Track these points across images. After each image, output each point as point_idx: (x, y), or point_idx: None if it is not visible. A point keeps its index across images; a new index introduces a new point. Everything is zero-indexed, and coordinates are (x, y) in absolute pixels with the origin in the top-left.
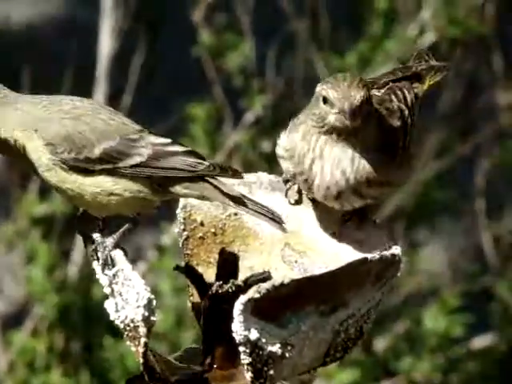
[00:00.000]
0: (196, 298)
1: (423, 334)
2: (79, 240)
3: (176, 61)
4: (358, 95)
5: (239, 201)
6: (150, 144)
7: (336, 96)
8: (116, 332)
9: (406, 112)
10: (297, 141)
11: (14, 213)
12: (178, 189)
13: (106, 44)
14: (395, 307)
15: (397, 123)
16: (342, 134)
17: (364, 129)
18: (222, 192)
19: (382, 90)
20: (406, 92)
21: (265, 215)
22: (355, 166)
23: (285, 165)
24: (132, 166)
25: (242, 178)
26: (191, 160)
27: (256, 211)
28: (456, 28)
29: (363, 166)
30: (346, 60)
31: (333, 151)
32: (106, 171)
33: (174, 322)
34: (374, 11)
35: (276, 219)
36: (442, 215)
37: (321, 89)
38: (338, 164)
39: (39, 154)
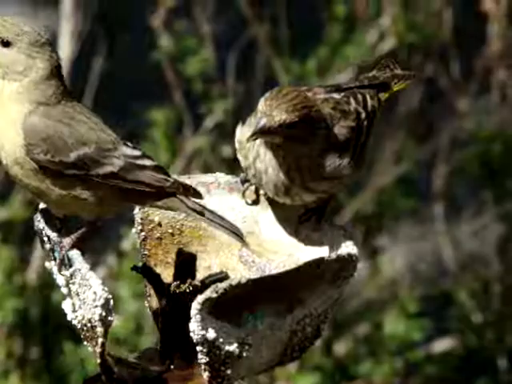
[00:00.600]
0: (154, 299)
1: (383, 338)
2: (38, 244)
3: (136, 65)
4: (278, 117)
5: (202, 214)
6: (122, 155)
7: (260, 109)
8: (76, 337)
9: (363, 115)
10: (245, 135)
11: None
12: (144, 199)
13: (66, 47)
14: (355, 311)
15: (351, 124)
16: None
17: (291, 146)
18: (186, 205)
19: (342, 94)
20: (368, 97)
21: (227, 228)
22: (292, 170)
23: (240, 158)
24: (103, 176)
25: (202, 198)
26: (159, 176)
27: (219, 224)
28: (415, 34)
29: (305, 164)
30: (306, 66)
31: (268, 154)
32: (76, 176)
33: (133, 327)
34: (333, 17)
35: (237, 233)
36: (402, 220)
37: (261, 99)
38: (277, 166)
39: (14, 149)
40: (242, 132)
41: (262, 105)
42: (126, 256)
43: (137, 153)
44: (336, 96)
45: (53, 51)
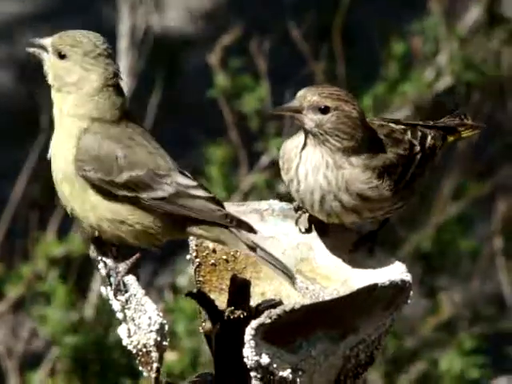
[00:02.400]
0: (208, 325)
1: (439, 375)
2: (96, 280)
3: (193, 102)
4: (309, 98)
5: (254, 249)
6: (175, 183)
7: (299, 92)
8: (133, 373)
9: (417, 148)
10: (289, 147)
11: (32, 254)
12: (194, 229)
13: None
14: (412, 349)
15: (400, 152)
16: (304, 133)
17: (325, 139)
18: (238, 239)
19: (402, 126)
20: (429, 137)
21: (278, 268)
22: (334, 173)
23: (284, 176)
24: (153, 199)
25: (255, 233)
26: (212, 206)
27: (269, 262)
28: (472, 72)
29: (344, 173)
30: (362, 102)
31: (310, 157)
32: (126, 198)
33: (189, 362)
34: (391, 54)
35: (286, 272)
36: (461, 257)
37: None
38: (317, 170)
39: (66, 164)
40: (285, 146)
41: (299, 91)
42: (182, 291)
43: (191, 183)
44: (393, 125)
45: (110, 63)
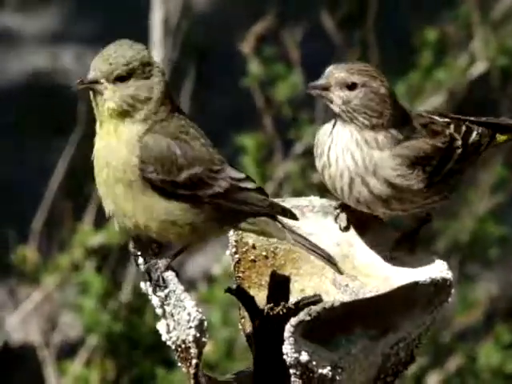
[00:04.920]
0: (247, 321)
1: (477, 369)
2: (133, 270)
3: (226, 92)
4: (338, 75)
5: (299, 240)
6: (228, 177)
7: (327, 69)
8: (168, 362)
9: (459, 143)
10: (322, 132)
11: (68, 244)
12: (241, 223)
13: None
14: (449, 342)
15: (438, 144)
16: (344, 117)
17: (353, 116)
18: (284, 230)
19: (446, 119)
20: (474, 133)
21: (322, 256)
22: (365, 151)
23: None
24: (210, 196)
25: (297, 219)
26: (261, 197)
27: (314, 251)
28: (506, 57)
29: (373, 154)
30: (396, 90)
31: (341, 137)
32: (184, 198)
33: (224, 353)
34: (424, 41)
35: (331, 260)
36: (496, 249)
37: None
38: (347, 150)
39: (125, 168)
40: (318, 132)
41: (327, 68)
42: (217, 281)
43: (241, 175)
44: (436, 117)
45: (157, 64)
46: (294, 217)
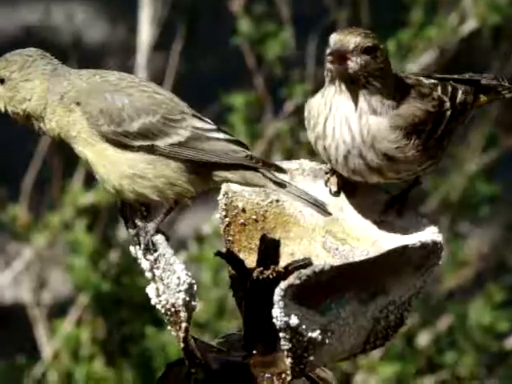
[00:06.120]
0: (237, 284)
1: (468, 328)
2: (123, 230)
3: (215, 50)
4: (352, 40)
5: (282, 186)
6: (190, 126)
7: (333, 38)
8: (158, 321)
9: (447, 104)
10: (315, 101)
11: (59, 203)
12: (218, 173)
13: (145, 34)
14: (439, 301)
15: (429, 109)
16: (340, 80)
17: (366, 81)
18: (264, 176)
19: (432, 80)
20: (460, 91)
21: (307, 201)
22: (362, 123)
23: (310, 135)
24: (170, 145)
25: (285, 173)
26: (234, 147)
27: (299, 196)
28: (497, 15)
29: (370, 127)
30: (387, 48)
31: (341, 106)
32: (143, 149)
33: (214, 312)
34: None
35: (318, 205)
36: (487, 207)
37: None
38: (346, 120)
39: (78, 127)
40: (310, 102)
41: (332, 37)
42: (207, 240)
43: (209, 126)
44: (422, 79)
45: (48, 62)
46: (279, 169)
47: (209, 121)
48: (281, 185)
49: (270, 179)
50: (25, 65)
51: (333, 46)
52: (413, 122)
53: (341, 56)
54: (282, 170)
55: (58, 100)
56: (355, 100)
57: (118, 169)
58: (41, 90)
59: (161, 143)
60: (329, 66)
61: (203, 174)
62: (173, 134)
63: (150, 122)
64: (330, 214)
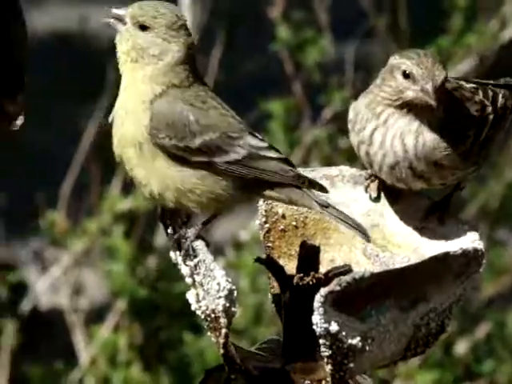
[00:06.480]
0: (277, 291)
1: (506, 336)
2: (161, 235)
3: (254, 57)
4: (441, 76)
5: (326, 206)
6: (247, 145)
7: (420, 73)
8: (196, 327)
9: (489, 109)
10: (361, 107)
11: (97, 209)
12: (265, 191)
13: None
14: (477, 309)
15: (472, 112)
16: (413, 109)
17: (436, 108)
18: (310, 198)
19: (472, 85)
20: (500, 96)
21: (350, 224)
22: (418, 141)
23: (352, 137)
24: (227, 162)
25: (327, 192)
26: (285, 167)
27: (341, 219)
28: None
29: (425, 143)
30: None
31: (398, 122)
32: (199, 164)
33: (252, 318)
34: (455, 5)
35: (360, 229)
36: None
37: (400, 62)
38: (400, 135)
39: (136, 130)
40: (357, 105)
41: (417, 72)
42: (245, 247)
43: (263, 144)
44: (463, 83)
45: (188, 34)
46: (322, 189)
47: (262, 137)
48: (325, 206)
49: (315, 200)
50: (172, 25)
51: (424, 84)
52: (460, 128)
53: (436, 94)
54: (324, 190)
55: (160, 86)
56: (413, 118)
57: (166, 180)
58: (174, 58)
59: (218, 160)
60: (417, 100)
61: (250, 192)
62: (231, 151)
63: (211, 139)
64: (369, 239)
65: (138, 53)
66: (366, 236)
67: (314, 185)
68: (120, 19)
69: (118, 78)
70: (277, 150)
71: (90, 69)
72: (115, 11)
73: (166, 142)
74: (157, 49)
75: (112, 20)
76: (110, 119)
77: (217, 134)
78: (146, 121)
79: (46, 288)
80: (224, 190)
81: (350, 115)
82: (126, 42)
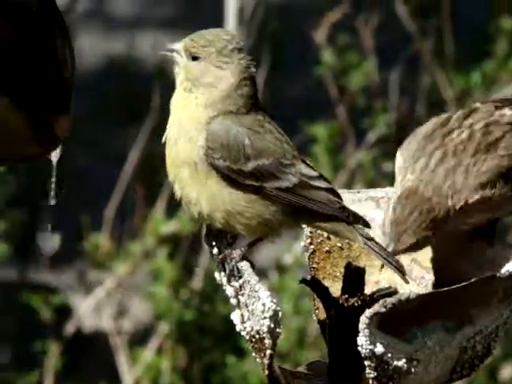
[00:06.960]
0: (322, 312)
1: None
2: (205, 258)
3: (300, 80)
4: (407, 242)
5: (369, 240)
6: (299, 173)
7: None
8: (239, 350)
9: None
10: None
11: (141, 231)
12: (311, 221)
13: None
14: None
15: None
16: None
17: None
18: (354, 230)
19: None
20: None
21: (390, 263)
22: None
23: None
24: (277, 189)
25: (369, 227)
26: (333, 198)
27: (382, 256)
28: None
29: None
30: (471, 79)
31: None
32: (250, 188)
33: (295, 341)
34: (500, 30)
35: (399, 268)
36: None
37: None
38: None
39: (191, 150)
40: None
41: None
42: (288, 270)
43: (313, 173)
44: (505, 111)
45: (243, 57)
46: (366, 224)
47: (313, 166)
48: (368, 240)
49: (359, 233)
50: (223, 50)
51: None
52: (496, 172)
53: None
54: (367, 225)
55: (217, 112)
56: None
57: (217, 201)
58: (228, 84)
59: (269, 186)
60: None
61: (296, 220)
62: (283, 178)
63: (264, 164)
64: (407, 281)
65: (192, 82)
66: (404, 277)
67: (357, 219)
68: (177, 52)
69: (163, 101)
70: (326, 180)
71: (136, 92)
72: (171, 46)
73: (221, 163)
74: (210, 76)
75: (171, 53)
76: (163, 139)
77: (270, 160)
78: (201, 141)
79: (90, 310)
80: (272, 216)
81: (398, 161)
82: (181, 72)
